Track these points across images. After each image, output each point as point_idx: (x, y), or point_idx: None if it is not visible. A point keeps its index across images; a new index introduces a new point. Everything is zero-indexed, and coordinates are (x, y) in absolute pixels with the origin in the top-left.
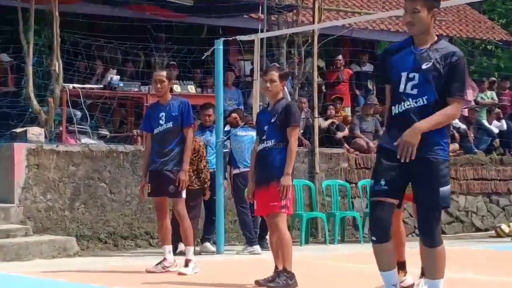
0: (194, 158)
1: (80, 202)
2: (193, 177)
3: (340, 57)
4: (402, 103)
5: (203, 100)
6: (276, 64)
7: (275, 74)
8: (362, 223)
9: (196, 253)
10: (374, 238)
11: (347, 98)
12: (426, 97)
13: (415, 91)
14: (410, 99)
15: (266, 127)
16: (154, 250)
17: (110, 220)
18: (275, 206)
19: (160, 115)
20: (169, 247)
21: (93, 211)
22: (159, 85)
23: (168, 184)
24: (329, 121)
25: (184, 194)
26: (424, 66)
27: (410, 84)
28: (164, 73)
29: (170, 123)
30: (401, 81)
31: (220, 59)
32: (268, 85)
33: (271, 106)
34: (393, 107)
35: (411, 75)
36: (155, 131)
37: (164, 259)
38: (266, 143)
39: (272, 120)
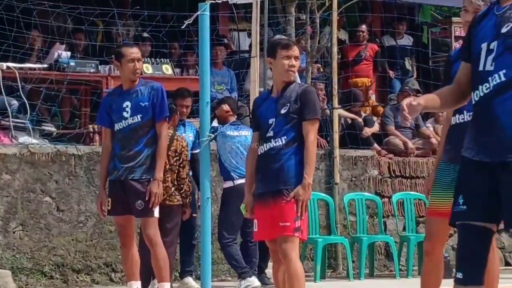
0: (174, 163)
1: (16, 223)
2: (172, 189)
3: (363, 27)
4: (480, 87)
5: (184, 84)
6: (282, 36)
7: (297, 50)
8: (398, 251)
9: None
10: (459, 276)
11: (372, 82)
12: (504, 71)
13: (493, 66)
14: (490, 79)
15: (272, 121)
16: (117, 287)
17: (57, 247)
18: (287, 227)
19: (124, 106)
20: (136, 284)
21: (35, 235)
22: (137, 65)
23: (135, 199)
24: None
25: (156, 213)
26: (504, 29)
27: (490, 58)
28: (138, 49)
29: (138, 116)
30: (481, 55)
31: (205, 29)
32: (294, 62)
33: (277, 91)
34: (473, 94)
35: (492, 46)
36: (117, 126)
37: None
38: (274, 142)
39: (283, 111)
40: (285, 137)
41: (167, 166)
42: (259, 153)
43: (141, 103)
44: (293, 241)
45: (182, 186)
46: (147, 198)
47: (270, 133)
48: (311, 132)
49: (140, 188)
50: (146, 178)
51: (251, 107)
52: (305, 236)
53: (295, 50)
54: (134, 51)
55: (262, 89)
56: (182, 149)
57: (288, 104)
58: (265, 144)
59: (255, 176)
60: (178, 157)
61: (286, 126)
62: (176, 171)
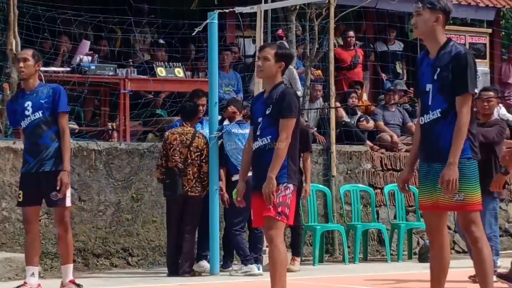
0: (195, 158)
1: (42, 211)
2: (193, 182)
3: (351, 33)
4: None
5: (194, 86)
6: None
7: (267, 51)
8: (389, 238)
9: (191, 274)
10: None
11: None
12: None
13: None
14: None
15: (260, 119)
16: (133, 270)
17: (79, 233)
18: (269, 210)
19: (26, 105)
20: (33, 269)
21: None
22: (21, 64)
23: (49, 190)
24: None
25: (68, 202)
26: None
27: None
28: (30, 51)
29: (39, 112)
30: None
31: (214, 36)
32: (259, 63)
33: (267, 92)
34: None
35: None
36: (23, 124)
37: (24, 283)
38: (261, 141)
39: (267, 112)
40: (270, 136)
41: (189, 161)
42: (253, 148)
43: (40, 100)
44: (278, 226)
45: (205, 179)
46: (58, 188)
47: (258, 132)
48: (283, 131)
49: (52, 180)
50: (54, 170)
51: None
52: (291, 221)
53: (263, 52)
54: (21, 52)
55: (263, 90)
56: (204, 146)
57: (271, 105)
58: (255, 142)
59: (252, 169)
60: (200, 153)
61: (271, 126)
62: (197, 166)
